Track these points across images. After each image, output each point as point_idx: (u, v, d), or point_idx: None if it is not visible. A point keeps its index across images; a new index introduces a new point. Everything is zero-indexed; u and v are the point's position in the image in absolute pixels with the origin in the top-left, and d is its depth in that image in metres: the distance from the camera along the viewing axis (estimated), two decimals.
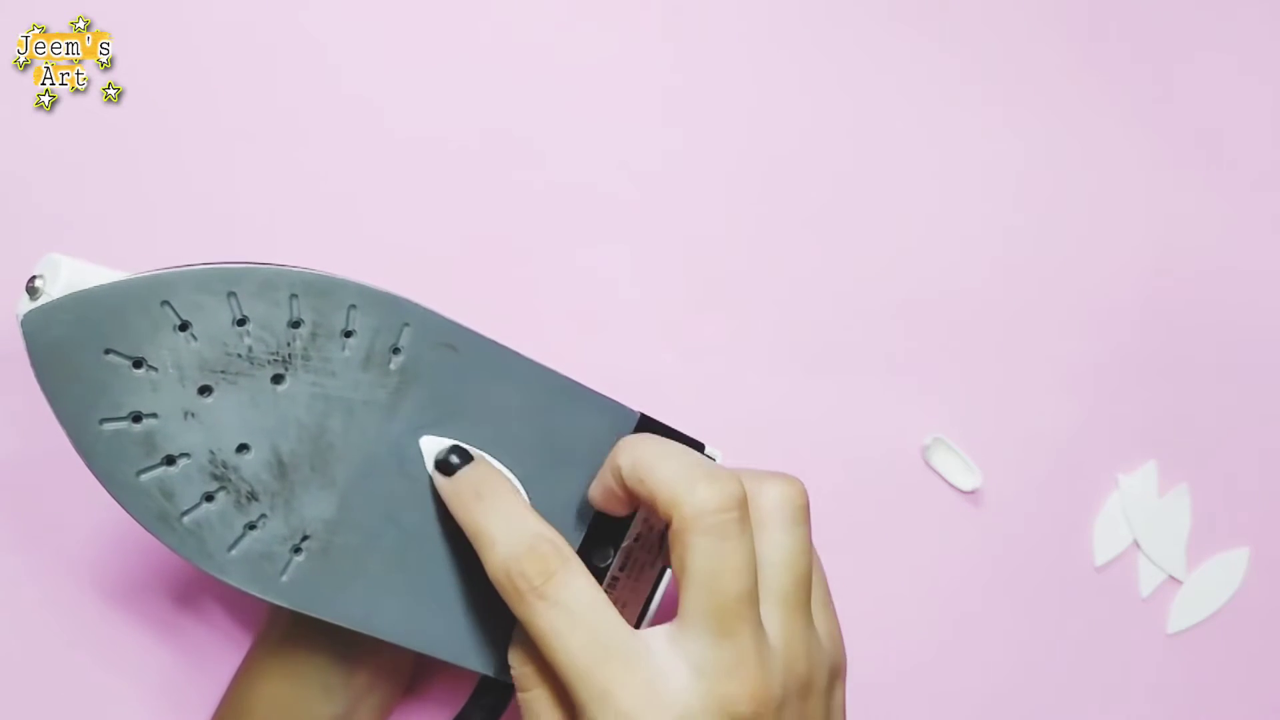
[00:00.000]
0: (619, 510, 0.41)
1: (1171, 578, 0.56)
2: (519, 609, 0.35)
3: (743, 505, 0.35)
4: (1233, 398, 0.58)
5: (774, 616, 0.36)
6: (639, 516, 0.44)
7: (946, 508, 0.55)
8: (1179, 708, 0.57)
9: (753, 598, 0.35)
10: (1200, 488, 0.57)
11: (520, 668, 0.38)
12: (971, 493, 0.55)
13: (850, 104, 0.56)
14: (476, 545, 0.37)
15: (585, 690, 0.34)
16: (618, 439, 0.42)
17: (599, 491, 0.40)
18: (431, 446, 0.39)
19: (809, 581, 0.37)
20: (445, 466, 0.39)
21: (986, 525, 0.55)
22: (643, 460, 0.37)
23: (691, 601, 0.35)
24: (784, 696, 0.35)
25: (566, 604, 0.35)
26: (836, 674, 0.39)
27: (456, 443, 0.39)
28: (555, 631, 0.34)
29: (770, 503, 0.37)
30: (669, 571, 0.44)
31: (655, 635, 0.35)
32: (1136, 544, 0.56)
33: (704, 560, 0.34)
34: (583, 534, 0.42)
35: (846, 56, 0.56)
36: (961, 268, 0.56)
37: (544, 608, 0.35)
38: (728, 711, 0.34)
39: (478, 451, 0.40)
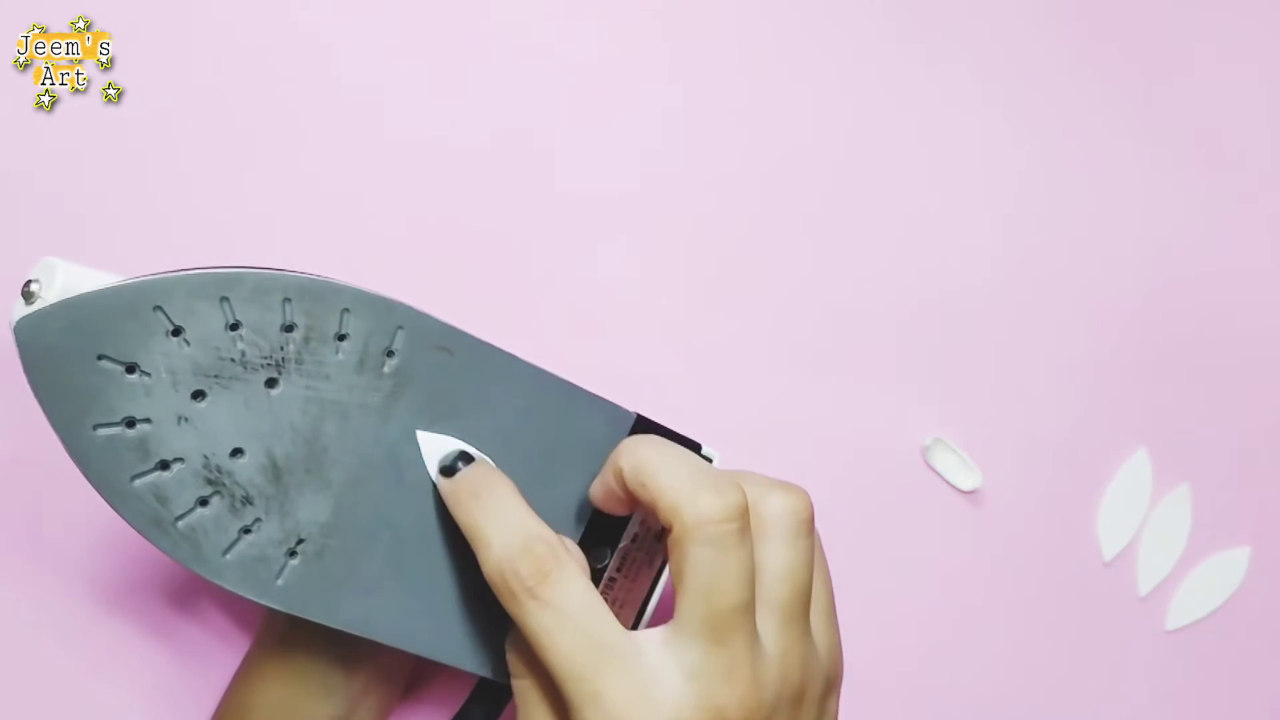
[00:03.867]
0: (619, 511, 0.41)
1: (1171, 576, 0.56)
2: (512, 608, 0.35)
3: (744, 515, 0.35)
4: (1233, 397, 0.58)
5: (770, 626, 0.36)
6: (636, 518, 0.44)
7: (946, 508, 0.55)
8: (1176, 705, 0.57)
9: (748, 608, 0.35)
10: (1201, 487, 0.57)
11: (513, 654, 0.38)
12: (971, 493, 0.55)
13: (850, 105, 0.56)
14: (473, 544, 0.37)
15: (576, 691, 0.34)
16: (614, 440, 0.43)
17: (600, 491, 0.40)
18: (429, 442, 0.39)
19: (807, 593, 0.37)
20: (448, 470, 0.39)
21: (986, 525, 0.55)
22: (645, 463, 0.37)
23: (687, 608, 0.35)
24: (775, 704, 0.35)
25: (559, 604, 0.35)
26: (831, 685, 0.39)
27: (463, 447, 0.39)
28: (547, 631, 0.34)
29: (773, 513, 0.37)
30: (666, 572, 0.44)
31: (649, 638, 0.35)
32: (1137, 541, 0.56)
33: (702, 569, 0.34)
34: (579, 535, 0.42)
35: (846, 58, 0.56)
36: (961, 268, 0.56)
37: (536, 607, 0.35)
38: (718, 717, 0.34)
39: (480, 454, 0.40)
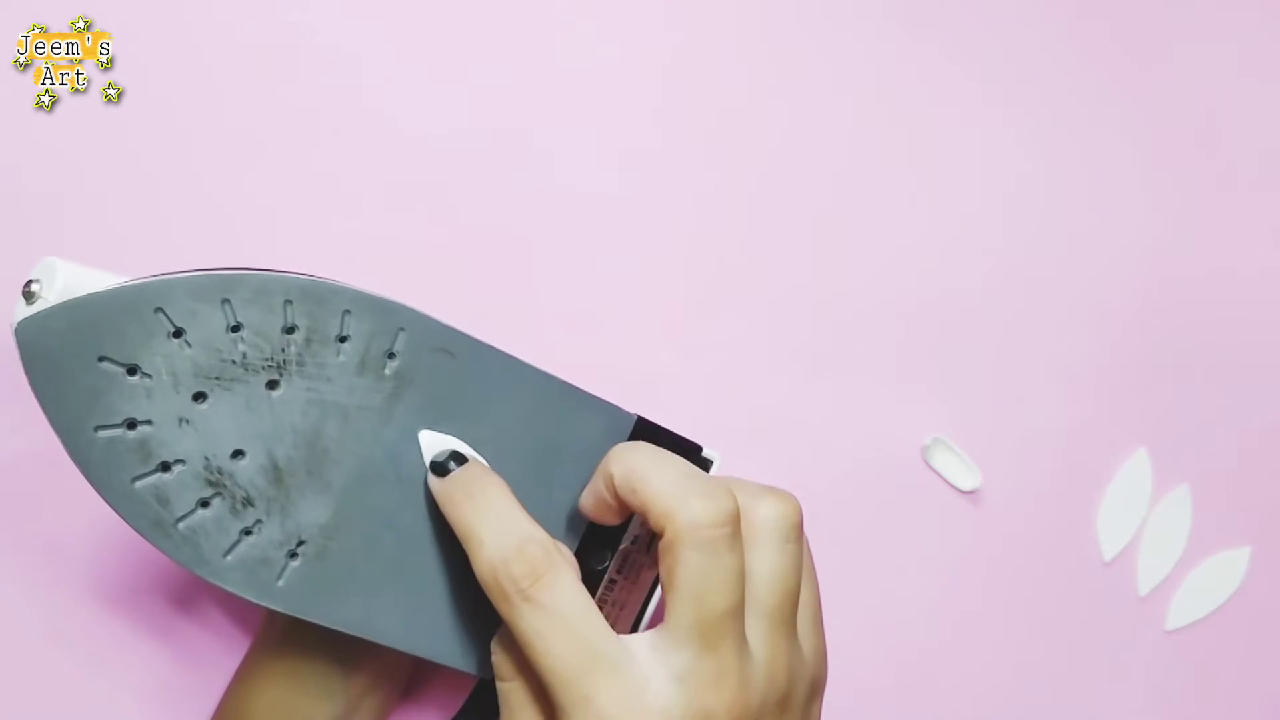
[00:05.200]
0: (610, 519, 0.41)
1: (1171, 576, 0.57)
2: (504, 610, 0.35)
3: (735, 521, 0.36)
4: (1234, 397, 0.58)
5: (758, 630, 0.36)
6: (636, 519, 0.44)
7: (946, 508, 0.55)
8: (1176, 705, 0.57)
9: (738, 613, 0.35)
10: (1201, 487, 0.57)
11: (500, 656, 0.38)
12: (971, 493, 0.55)
13: (849, 104, 0.56)
14: (466, 545, 0.37)
15: (566, 695, 0.34)
16: (615, 441, 0.43)
17: (590, 499, 0.40)
18: (430, 441, 0.39)
19: (795, 597, 0.38)
20: (440, 469, 0.39)
21: (986, 525, 0.55)
22: (635, 470, 0.37)
23: (677, 613, 0.35)
24: (761, 708, 0.36)
25: (551, 607, 0.35)
26: (816, 689, 0.39)
27: (455, 448, 0.39)
28: (538, 634, 0.35)
29: (763, 519, 0.37)
30: None
31: (639, 642, 0.35)
32: (1137, 541, 0.56)
33: (693, 575, 0.35)
34: (579, 537, 0.42)
35: (846, 57, 0.56)
36: (961, 268, 0.56)
37: (529, 610, 0.35)
38: None
39: (473, 454, 0.39)
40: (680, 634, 0.35)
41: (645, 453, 0.38)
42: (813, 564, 0.41)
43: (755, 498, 0.38)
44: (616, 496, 0.38)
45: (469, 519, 0.37)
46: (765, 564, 0.37)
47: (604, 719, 0.34)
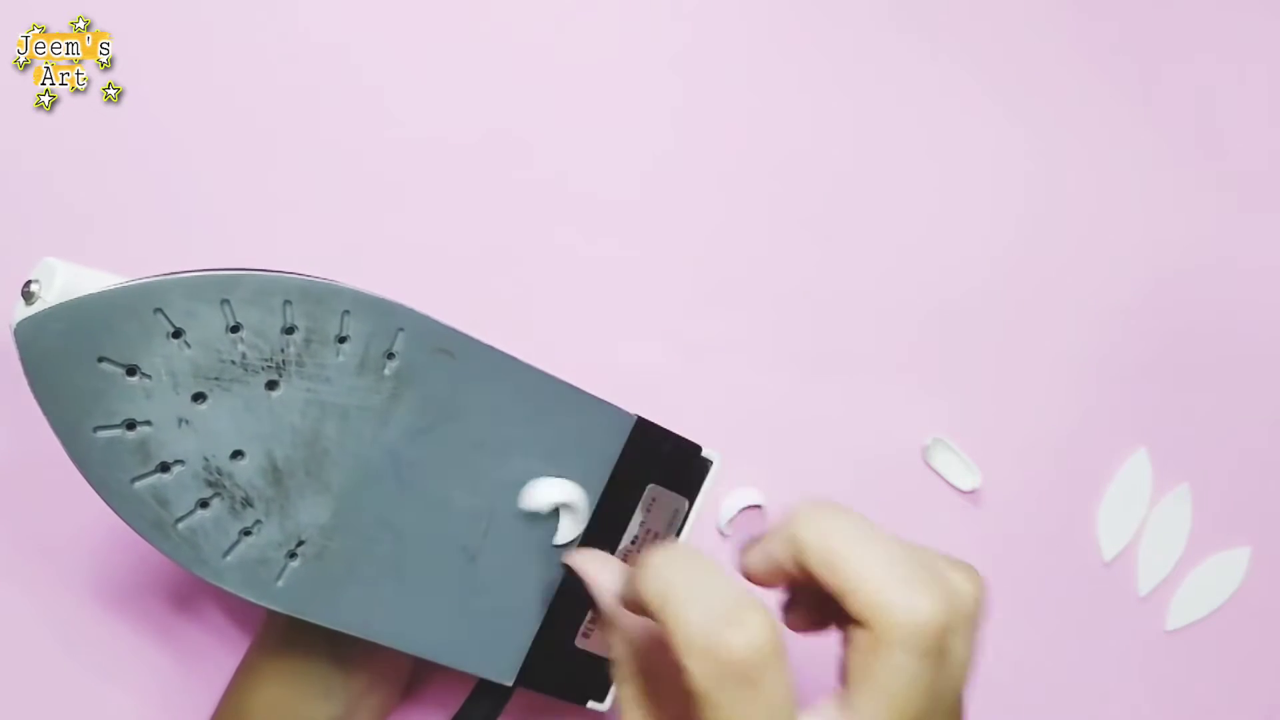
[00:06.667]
0: (775, 585, 0.35)
1: (1171, 576, 0.56)
2: (703, 685, 0.30)
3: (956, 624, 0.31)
4: (1234, 397, 0.58)
5: None
6: (635, 519, 0.43)
7: (946, 508, 0.55)
8: (1176, 705, 0.57)
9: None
10: (1201, 487, 0.57)
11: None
12: (971, 493, 0.55)
13: (850, 104, 0.56)
14: (662, 609, 0.31)
15: None
16: (615, 441, 0.42)
17: (761, 563, 0.34)
18: (541, 491, 0.39)
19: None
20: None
21: (986, 525, 0.55)
22: (840, 545, 0.31)
23: (869, 710, 0.30)
24: None
25: (770, 700, 0.29)
26: None
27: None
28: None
29: (963, 605, 0.32)
30: None
31: None
32: (1137, 541, 0.56)
33: (902, 680, 0.30)
34: (577, 539, 0.42)
35: (847, 56, 0.56)
36: (961, 268, 0.56)
37: (744, 697, 0.29)
38: None
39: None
40: None
41: (848, 524, 0.32)
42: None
43: (946, 573, 0.33)
44: (799, 566, 0.32)
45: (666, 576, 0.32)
46: (955, 656, 0.32)
47: None
